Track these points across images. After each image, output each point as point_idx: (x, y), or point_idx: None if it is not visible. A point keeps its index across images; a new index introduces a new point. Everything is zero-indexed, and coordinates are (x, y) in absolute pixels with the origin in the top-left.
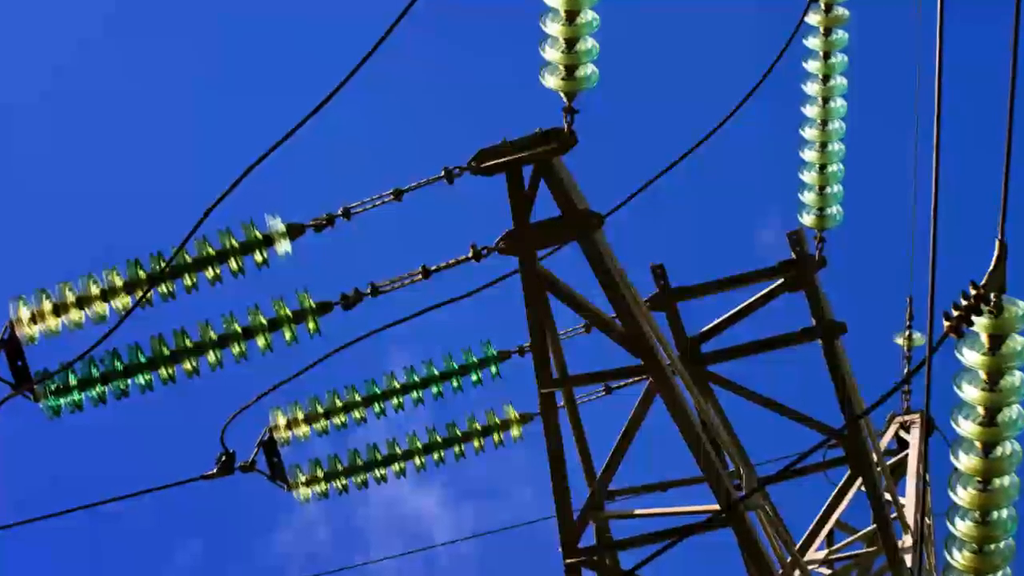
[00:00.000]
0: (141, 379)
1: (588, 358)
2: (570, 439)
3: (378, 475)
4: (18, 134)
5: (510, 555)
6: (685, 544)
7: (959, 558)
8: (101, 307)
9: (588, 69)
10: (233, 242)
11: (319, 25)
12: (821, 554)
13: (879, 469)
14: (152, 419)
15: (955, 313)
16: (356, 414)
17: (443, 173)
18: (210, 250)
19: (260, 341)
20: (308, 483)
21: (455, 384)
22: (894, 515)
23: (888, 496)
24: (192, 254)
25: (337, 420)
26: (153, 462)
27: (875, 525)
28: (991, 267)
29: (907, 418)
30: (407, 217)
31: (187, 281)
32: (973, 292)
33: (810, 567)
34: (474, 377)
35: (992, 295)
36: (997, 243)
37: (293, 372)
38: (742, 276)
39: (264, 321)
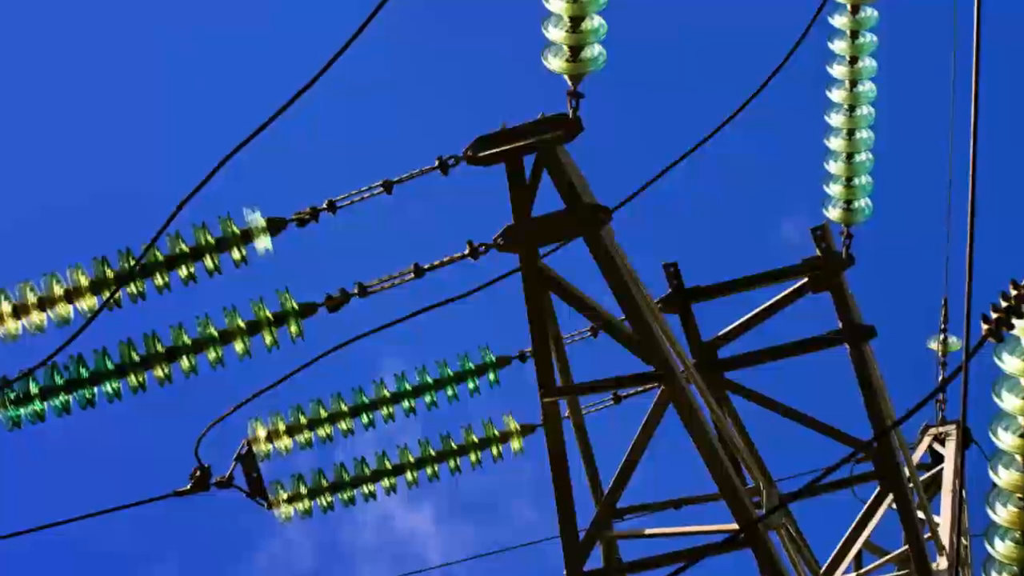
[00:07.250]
0: (109, 387)
1: (595, 364)
2: (575, 452)
3: (366, 491)
4: None
5: None
6: (700, 567)
7: None
8: (65, 309)
9: (595, 50)
10: (209, 238)
11: (302, 6)
12: None
13: (911, 485)
14: (121, 430)
15: (994, 315)
16: (342, 425)
17: (437, 163)
18: (184, 247)
19: (238, 346)
20: (290, 500)
21: (450, 393)
22: (928, 535)
23: (921, 514)
24: (164, 251)
25: (322, 432)
26: (123, 477)
27: (907, 546)
28: None
29: (942, 429)
30: (398, 211)
31: (159, 281)
32: (1014, 292)
33: None
34: (471, 385)
35: None
36: None
37: (274, 379)
38: (762, 275)
39: (242, 324)
